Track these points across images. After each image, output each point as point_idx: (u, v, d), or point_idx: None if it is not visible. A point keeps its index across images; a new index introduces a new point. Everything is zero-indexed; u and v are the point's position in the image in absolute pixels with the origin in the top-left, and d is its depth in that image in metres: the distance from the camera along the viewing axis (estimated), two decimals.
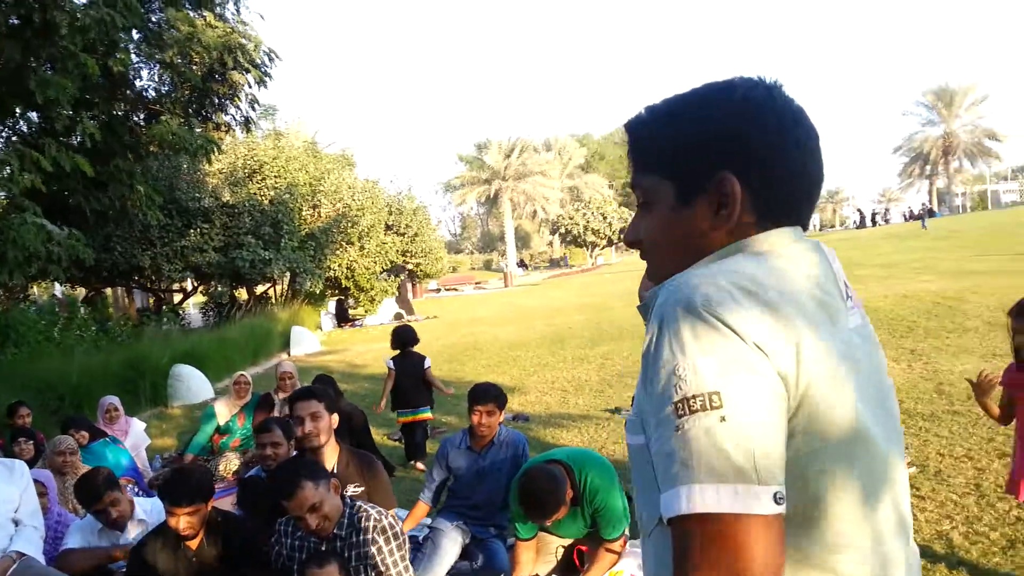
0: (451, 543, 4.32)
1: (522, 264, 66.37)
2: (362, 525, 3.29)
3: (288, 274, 19.87)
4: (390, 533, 3.30)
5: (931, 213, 58.18)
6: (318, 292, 21.79)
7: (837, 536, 0.96)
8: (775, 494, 0.86)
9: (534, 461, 4.02)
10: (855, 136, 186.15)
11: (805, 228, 1.11)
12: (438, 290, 44.49)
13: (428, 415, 7.32)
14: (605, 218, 59.55)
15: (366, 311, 24.33)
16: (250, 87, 12.94)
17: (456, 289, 46.28)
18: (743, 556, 0.84)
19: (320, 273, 20.26)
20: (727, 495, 0.85)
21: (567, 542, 4.07)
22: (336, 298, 25.12)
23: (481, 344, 15.29)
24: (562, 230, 62.76)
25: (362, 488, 3.87)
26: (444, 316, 24.92)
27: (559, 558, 4.05)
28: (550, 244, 79.92)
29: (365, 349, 17.11)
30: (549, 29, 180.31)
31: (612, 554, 3.79)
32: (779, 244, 1.05)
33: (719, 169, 1.05)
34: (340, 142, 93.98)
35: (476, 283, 49.98)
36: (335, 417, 3.96)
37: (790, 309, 0.95)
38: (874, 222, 59.67)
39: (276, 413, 7.16)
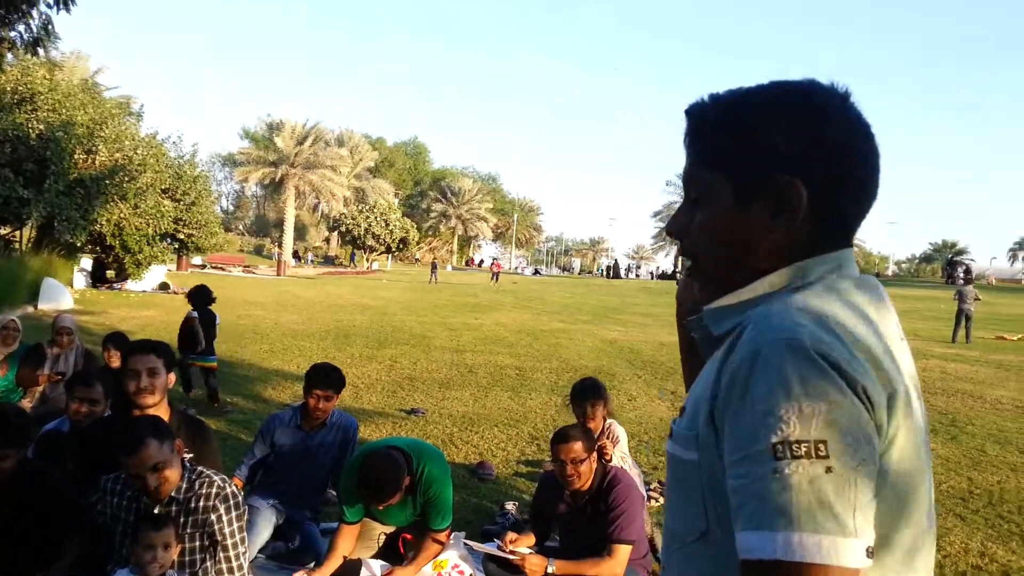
0: (265, 522, 4.21)
1: (296, 256, 64.19)
2: (203, 491, 3.16)
3: (44, 220, 17.82)
4: (232, 502, 3.20)
5: (673, 276, 64.57)
6: (78, 245, 19.71)
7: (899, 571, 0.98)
8: (868, 548, 0.86)
9: (375, 445, 4.05)
10: (620, 196, 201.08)
11: (851, 246, 1.11)
12: (203, 266, 41.88)
13: (215, 364, 8.36)
14: (388, 225, 59.41)
15: (130, 275, 22.37)
16: (50, 7, 11.64)
17: (223, 268, 43.84)
18: None
19: (84, 225, 18.34)
20: (828, 547, 0.84)
21: (389, 529, 4.12)
22: (94, 256, 22.90)
23: (261, 329, 14.69)
24: (343, 228, 61.65)
25: (191, 454, 3.68)
26: (216, 295, 23.49)
27: (380, 544, 4.09)
28: (326, 240, 78.26)
29: (128, 315, 15.80)
30: (360, 22, 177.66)
31: (438, 544, 3.91)
32: (848, 270, 1.05)
33: (782, 172, 1.02)
34: (124, 88, 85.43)
35: (246, 266, 47.67)
36: (172, 376, 3.74)
37: (884, 358, 0.95)
38: (617, 274, 64.20)
39: (47, 368, 6.54)
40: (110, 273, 23.61)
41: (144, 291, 22.51)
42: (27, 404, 6.35)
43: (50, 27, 12.24)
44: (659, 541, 4.17)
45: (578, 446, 3.67)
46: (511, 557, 3.70)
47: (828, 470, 0.85)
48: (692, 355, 1.32)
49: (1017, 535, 4.93)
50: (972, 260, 62.38)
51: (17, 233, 20.31)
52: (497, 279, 45.01)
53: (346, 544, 3.94)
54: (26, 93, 17.48)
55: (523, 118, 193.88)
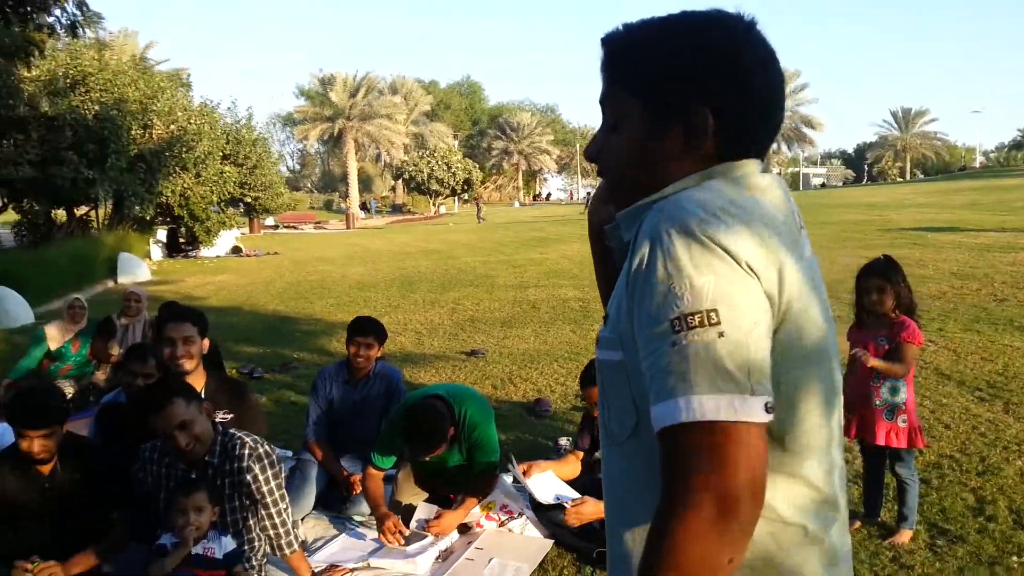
0: (318, 476, 4.24)
1: (364, 207, 64.88)
2: (236, 452, 3.16)
3: (113, 197, 18.35)
4: (266, 461, 3.19)
5: None
6: (148, 218, 20.29)
7: (805, 441, 1.03)
8: (766, 403, 0.91)
9: (415, 395, 4.00)
10: None
11: (763, 161, 1.15)
12: (276, 227, 42.84)
13: None
14: (449, 167, 59.27)
15: (201, 242, 23.01)
16: None
17: (295, 227, 44.78)
18: (735, 462, 0.88)
19: (151, 198, 18.83)
20: (725, 404, 0.89)
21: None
22: (168, 227, 23.60)
23: (328, 283, 14.92)
24: (406, 175, 61.79)
25: (231, 415, 3.70)
26: (286, 254, 24.10)
27: (429, 489, 4.07)
28: (392, 189, 78.77)
29: (203, 281, 16.28)
30: None
31: (486, 486, 3.86)
32: (751, 172, 1.09)
33: (694, 100, 1.06)
34: (173, 61, 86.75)
35: (317, 223, 48.56)
36: (206, 342, 3.75)
37: (771, 234, 0.99)
38: None
39: (117, 338, 6.70)
40: (182, 241, 24.28)
41: (218, 256, 23.13)
42: (101, 377, 6.56)
43: (84, 8, 12.31)
44: None
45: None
46: (567, 501, 3.67)
47: (720, 335, 0.91)
48: (605, 268, 1.40)
49: None
50: None
51: (92, 212, 21.00)
52: None
53: (380, 487, 3.86)
54: (77, 76, 17.78)
55: (575, 45, 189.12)
